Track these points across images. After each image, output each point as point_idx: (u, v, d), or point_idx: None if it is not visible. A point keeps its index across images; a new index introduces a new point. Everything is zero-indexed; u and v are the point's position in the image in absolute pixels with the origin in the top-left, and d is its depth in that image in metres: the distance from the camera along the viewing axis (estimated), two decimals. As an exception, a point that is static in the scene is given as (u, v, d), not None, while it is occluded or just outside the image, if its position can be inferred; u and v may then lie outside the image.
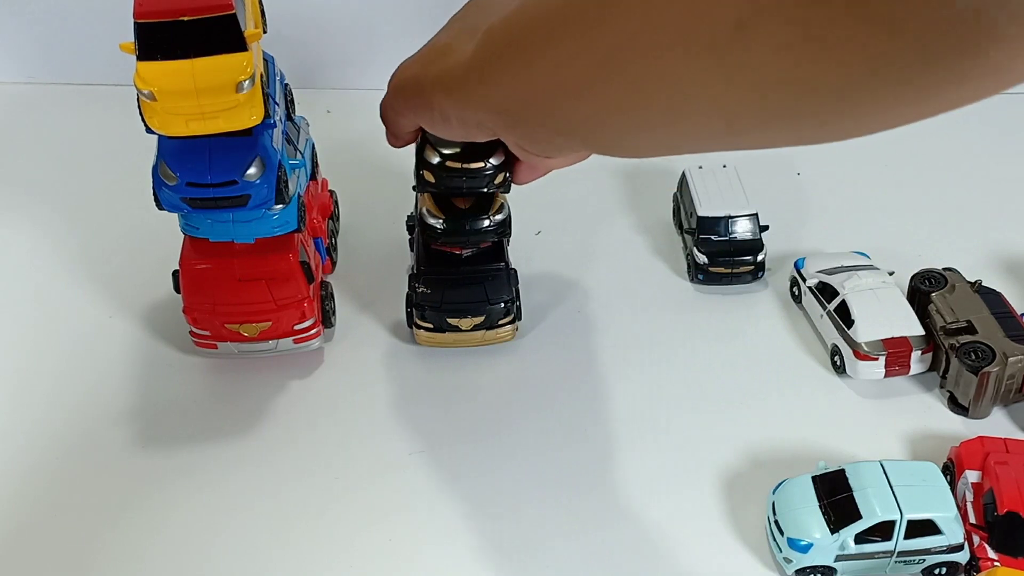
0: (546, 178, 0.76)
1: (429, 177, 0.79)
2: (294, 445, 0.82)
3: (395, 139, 0.75)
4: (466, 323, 0.86)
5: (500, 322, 0.87)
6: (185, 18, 0.68)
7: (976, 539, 0.72)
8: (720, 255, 0.93)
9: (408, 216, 0.94)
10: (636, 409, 0.84)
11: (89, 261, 0.96)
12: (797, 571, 0.72)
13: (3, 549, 0.75)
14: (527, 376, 0.87)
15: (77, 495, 0.78)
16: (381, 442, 0.82)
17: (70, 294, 0.93)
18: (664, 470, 0.80)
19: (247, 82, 0.69)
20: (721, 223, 0.93)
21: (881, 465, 0.74)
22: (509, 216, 0.86)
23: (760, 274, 0.94)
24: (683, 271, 0.96)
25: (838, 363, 0.87)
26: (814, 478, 0.74)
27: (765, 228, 0.94)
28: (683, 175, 0.98)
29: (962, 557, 0.72)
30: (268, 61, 0.80)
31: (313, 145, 0.92)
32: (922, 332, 0.85)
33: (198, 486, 0.79)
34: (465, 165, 0.77)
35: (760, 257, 0.93)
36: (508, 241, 0.88)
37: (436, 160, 0.77)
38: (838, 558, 0.72)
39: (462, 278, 0.87)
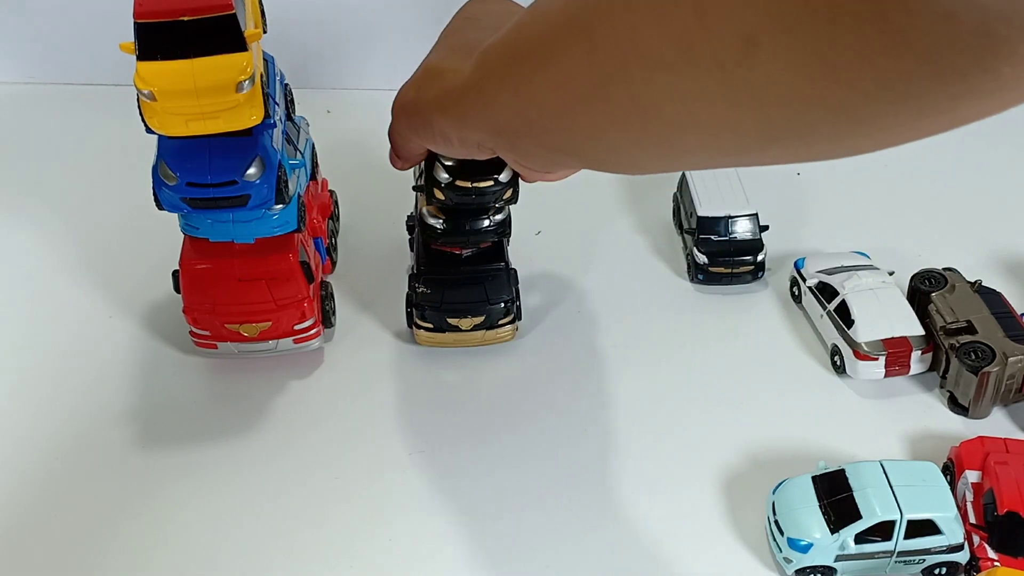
0: (546, 178, 0.76)
1: (439, 195, 0.80)
2: (294, 445, 0.82)
3: (403, 161, 0.75)
4: (466, 323, 0.86)
5: (500, 322, 0.87)
6: (185, 18, 0.68)
7: (976, 539, 0.72)
8: (720, 255, 0.93)
9: (408, 216, 0.94)
10: (636, 409, 0.84)
11: (89, 261, 0.96)
12: (797, 571, 0.72)
13: (2, 549, 0.75)
14: (527, 376, 0.87)
15: (77, 495, 0.78)
16: (381, 442, 0.82)
17: (70, 294, 0.93)
18: (664, 470, 0.80)
19: (247, 82, 0.69)
20: (721, 223, 0.93)
21: (881, 465, 0.74)
22: (509, 216, 0.86)
23: (760, 274, 0.94)
24: (683, 271, 0.96)
25: (838, 363, 0.87)
26: (814, 478, 0.74)
27: (765, 228, 0.94)
28: (683, 175, 0.98)
29: (962, 557, 0.72)
30: (268, 61, 0.80)
31: (313, 145, 0.92)
32: (922, 332, 0.85)
33: (198, 486, 0.79)
34: (475, 184, 0.79)
35: (760, 257, 0.93)
36: (508, 241, 0.88)
37: (445, 178, 0.79)
38: (838, 558, 0.72)
39: (462, 278, 0.87)
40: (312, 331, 0.85)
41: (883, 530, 0.71)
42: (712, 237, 0.93)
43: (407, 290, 0.88)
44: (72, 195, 1.03)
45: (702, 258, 0.93)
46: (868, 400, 0.85)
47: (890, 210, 1.01)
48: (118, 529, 0.76)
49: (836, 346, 0.87)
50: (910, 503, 0.71)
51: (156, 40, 0.68)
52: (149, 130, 0.72)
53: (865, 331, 0.84)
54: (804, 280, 0.91)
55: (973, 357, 0.81)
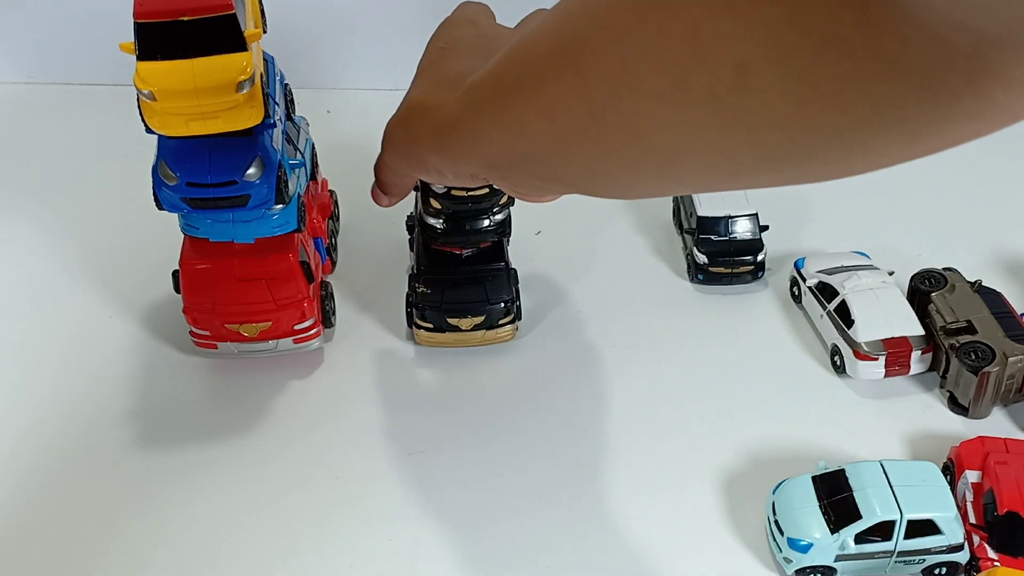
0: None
1: (436, 204, 0.82)
2: (294, 445, 0.82)
3: (389, 198, 0.71)
4: (466, 323, 0.86)
5: (500, 322, 0.87)
6: (185, 18, 0.68)
7: (976, 539, 0.72)
8: (720, 255, 0.93)
9: (408, 216, 0.94)
10: (636, 409, 0.84)
11: (89, 261, 0.96)
12: (797, 571, 0.72)
13: (2, 549, 0.75)
14: (527, 376, 0.87)
15: (76, 495, 0.78)
16: (381, 442, 0.82)
17: (70, 294, 0.93)
18: (664, 470, 0.80)
19: (247, 82, 0.69)
20: (721, 223, 0.93)
21: (881, 465, 0.74)
22: (509, 216, 0.86)
23: (760, 274, 0.94)
24: (683, 271, 0.96)
25: (838, 363, 0.87)
26: (814, 478, 0.74)
27: (765, 228, 0.94)
28: (683, 175, 0.98)
29: (962, 557, 0.72)
30: (268, 61, 0.80)
31: (313, 145, 0.92)
32: (922, 332, 0.85)
33: (198, 486, 0.79)
34: (471, 193, 0.82)
35: (760, 257, 0.93)
36: (508, 241, 0.88)
37: (442, 189, 0.82)
38: (838, 558, 0.72)
39: (462, 278, 0.87)
40: (312, 331, 0.85)
41: (883, 530, 0.71)
42: (712, 237, 0.93)
43: (407, 290, 0.88)
44: (72, 195, 1.03)
45: (702, 258, 0.93)
46: (868, 400, 0.85)
47: (890, 210, 1.01)
48: (118, 529, 0.76)
49: (836, 346, 0.87)
50: (910, 503, 0.71)
51: (156, 40, 0.68)
52: (149, 130, 0.72)
53: (865, 331, 0.84)
54: (804, 280, 0.91)
55: (973, 357, 0.81)
